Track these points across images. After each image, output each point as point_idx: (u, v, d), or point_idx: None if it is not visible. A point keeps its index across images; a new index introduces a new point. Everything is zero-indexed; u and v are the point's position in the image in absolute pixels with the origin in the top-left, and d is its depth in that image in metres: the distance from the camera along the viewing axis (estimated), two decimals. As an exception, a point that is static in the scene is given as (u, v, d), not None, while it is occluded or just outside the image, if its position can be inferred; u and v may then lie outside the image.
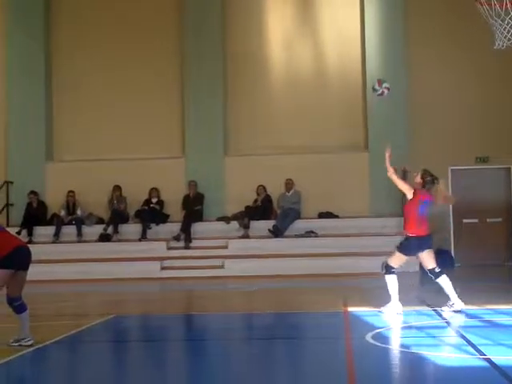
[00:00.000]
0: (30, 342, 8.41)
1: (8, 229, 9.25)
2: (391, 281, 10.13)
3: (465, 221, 18.58)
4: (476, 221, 18.64)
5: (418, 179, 10.32)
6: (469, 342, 7.85)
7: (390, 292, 10.10)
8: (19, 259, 8.35)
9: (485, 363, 6.91)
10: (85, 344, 9.06)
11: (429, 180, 10.25)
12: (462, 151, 18.57)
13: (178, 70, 19.39)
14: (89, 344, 9.03)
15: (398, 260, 10.18)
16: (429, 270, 10.23)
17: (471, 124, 18.64)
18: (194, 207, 18.47)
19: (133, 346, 9.23)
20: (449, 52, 18.78)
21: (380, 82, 10.91)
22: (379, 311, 10.17)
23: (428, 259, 10.21)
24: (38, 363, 8.12)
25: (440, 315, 9.93)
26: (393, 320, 9.74)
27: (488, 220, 18.65)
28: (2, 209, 18.94)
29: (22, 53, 19.47)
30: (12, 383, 7.23)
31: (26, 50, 19.46)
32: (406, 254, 10.17)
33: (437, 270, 10.20)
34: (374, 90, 10.99)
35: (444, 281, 10.18)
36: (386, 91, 10.85)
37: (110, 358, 8.46)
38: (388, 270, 10.14)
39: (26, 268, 8.44)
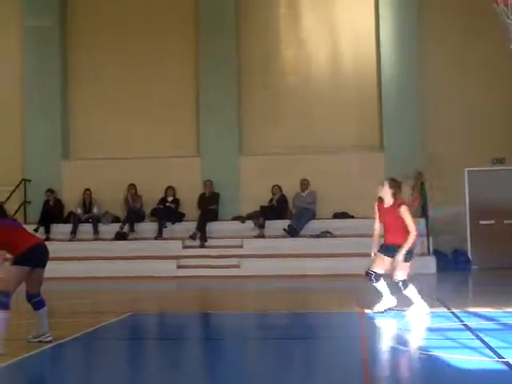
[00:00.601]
0: (49, 339, 8.48)
1: (25, 226, 9.31)
2: (413, 288, 10.12)
3: (481, 222, 18.52)
4: (493, 222, 18.57)
5: (387, 190, 10.23)
6: (487, 345, 7.84)
7: (414, 297, 10.08)
8: (36, 257, 8.41)
9: (503, 366, 6.90)
10: (103, 341, 9.11)
11: (397, 191, 10.25)
12: (478, 152, 18.50)
13: (192, 68, 19.44)
14: (107, 341, 9.09)
15: (407, 270, 10.19)
16: (380, 273, 10.24)
17: (487, 125, 18.57)
18: (209, 206, 18.51)
19: (150, 343, 9.27)
20: (464, 51, 18.69)
21: None
22: (401, 312, 10.14)
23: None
24: (58, 359, 8.19)
25: (458, 317, 9.91)
26: (410, 322, 9.74)
27: (505, 221, 18.57)
28: (20, 207, 19.05)
29: (38, 51, 19.56)
30: (32, 379, 7.30)
31: (42, 49, 19.56)
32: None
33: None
34: None
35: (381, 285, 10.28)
36: None
37: (128, 356, 8.50)
38: (407, 283, 10.08)
39: (43, 265, 8.50)
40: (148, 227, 18.46)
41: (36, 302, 8.56)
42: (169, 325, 10.72)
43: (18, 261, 8.27)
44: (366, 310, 10.40)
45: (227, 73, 19.13)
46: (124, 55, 19.66)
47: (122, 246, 17.88)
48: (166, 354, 8.26)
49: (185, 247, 18.01)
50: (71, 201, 19.16)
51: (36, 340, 8.48)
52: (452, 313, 10.29)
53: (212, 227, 18.25)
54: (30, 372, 7.58)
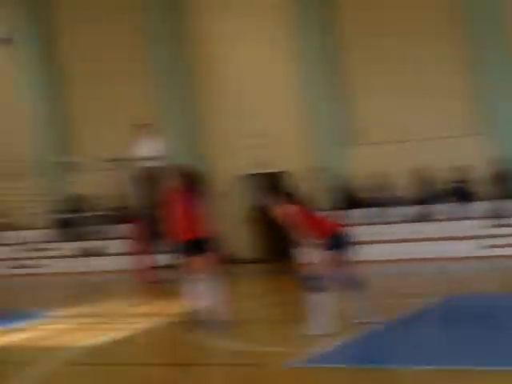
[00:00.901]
0: (370, 320, 8.78)
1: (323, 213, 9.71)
2: None
3: None
4: None
5: None
6: None
7: None
8: (339, 241, 8.94)
9: None
10: (428, 322, 9.22)
11: None
12: None
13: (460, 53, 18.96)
14: (432, 323, 9.15)
15: None
16: None
17: None
18: (501, 184, 17.97)
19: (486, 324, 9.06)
20: None
21: None
22: None
23: None
24: (383, 340, 8.43)
25: None
26: None
27: None
28: (312, 194, 19.63)
29: (314, 45, 20.29)
30: (362, 359, 7.66)
31: (317, 43, 20.28)
32: None
33: None
34: None
35: None
36: None
37: (454, 339, 8.33)
38: None
39: (346, 249, 8.96)
40: (440, 208, 18.45)
41: (347, 283, 8.88)
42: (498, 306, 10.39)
43: (323, 246, 8.80)
44: None
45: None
46: (401, 38, 19.60)
47: (424, 228, 18.12)
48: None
49: (482, 227, 17.66)
50: (360, 185, 19.56)
51: (358, 321, 8.79)
52: None
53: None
54: (360, 351, 7.91)
